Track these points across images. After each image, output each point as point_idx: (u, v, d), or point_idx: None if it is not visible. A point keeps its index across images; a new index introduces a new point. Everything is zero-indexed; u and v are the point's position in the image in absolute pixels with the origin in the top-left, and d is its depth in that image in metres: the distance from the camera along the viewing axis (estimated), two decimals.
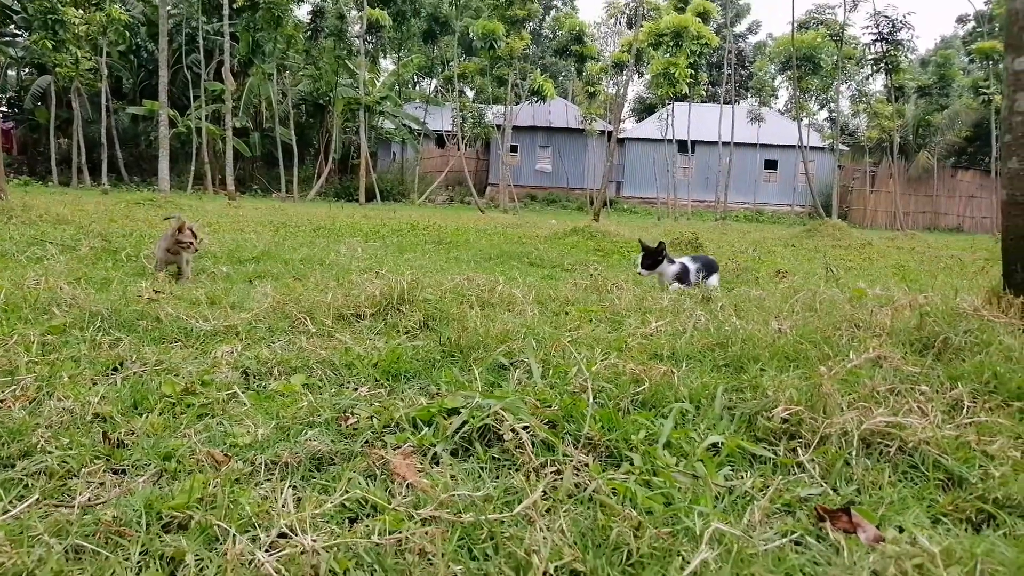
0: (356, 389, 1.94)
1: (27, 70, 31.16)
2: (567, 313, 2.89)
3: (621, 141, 28.52)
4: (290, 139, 27.64)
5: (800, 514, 1.33)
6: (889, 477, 1.48)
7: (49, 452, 1.46)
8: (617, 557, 1.09)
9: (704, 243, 8.11)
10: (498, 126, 29.15)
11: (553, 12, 35.36)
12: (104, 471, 1.39)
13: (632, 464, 1.46)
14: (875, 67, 24.56)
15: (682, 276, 4.12)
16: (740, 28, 42.93)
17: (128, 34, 27.58)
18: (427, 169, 33.32)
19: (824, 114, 36.01)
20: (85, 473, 1.37)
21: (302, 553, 1.09)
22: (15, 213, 7.67)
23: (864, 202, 31.85)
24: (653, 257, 4.07)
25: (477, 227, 10.45)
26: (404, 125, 32.30)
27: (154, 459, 1.46)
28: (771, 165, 33.45)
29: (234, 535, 1.12)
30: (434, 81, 39.01)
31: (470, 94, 35.03)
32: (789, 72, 27.44)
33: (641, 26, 19.92)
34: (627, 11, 30.56)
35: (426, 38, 32.16)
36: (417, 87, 40.65)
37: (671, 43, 23.20)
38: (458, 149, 29.43)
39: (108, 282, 3.55)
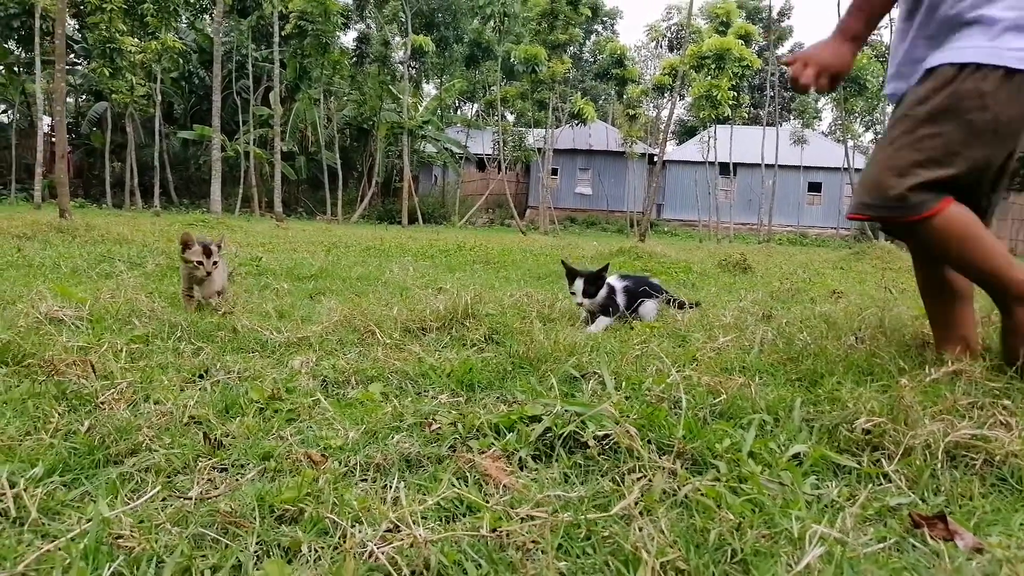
0: (435, 397, 1.99)
1: (84, 97, 32.38)
2: (631, 328, 2.92)
3: (663, 163, 28.54)
4: (335, 163, 28.21)
5: (892, 522, 1.33)
6: (978, 489, 1.47)
7: (155, 450, 1.53)
8: (720, 556, 1.11)
9: (752, 264, 8.05)
10: (539, 149, 29.36)
11: (594, 36, 35.65)
12: (210, 468, 1.45)
13: (719, 471, 1.48)
14: None
15: (607, 306, 3.30)
16: (783, 50, 42.73)
17: (181, 61, 28.51)
18: (468, 192, 33.65)
19: (870, 136, 35.51)
20: (196, 469, 1.43)
21: (411, 545, 1.13)
22: (79, 233, 7.99)
23: None
24: (595, 282, 3.26)
25: (521, 247, 10.52)
26: (446, 149, 32.70)
27: (253, 459, 1.52)
28: (815, 188, 33.06)
29: (346, 527, 1.17)
30: (475, 105, 39.50)
31: (511, 118, 35.37)
32: (834, 94, 27.19)
33: (683, 51, 19.97)
34: (668, 34, 30.67)
35: (468, 63, 32.67)
36: (459, 111, 41.17)
37: (713, 65, 23.18)
38: (499, 172, 29.69)
39: (177, 296, 3.68)
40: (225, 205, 25.70)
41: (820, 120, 40.73)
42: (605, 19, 34.98)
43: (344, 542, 1.14)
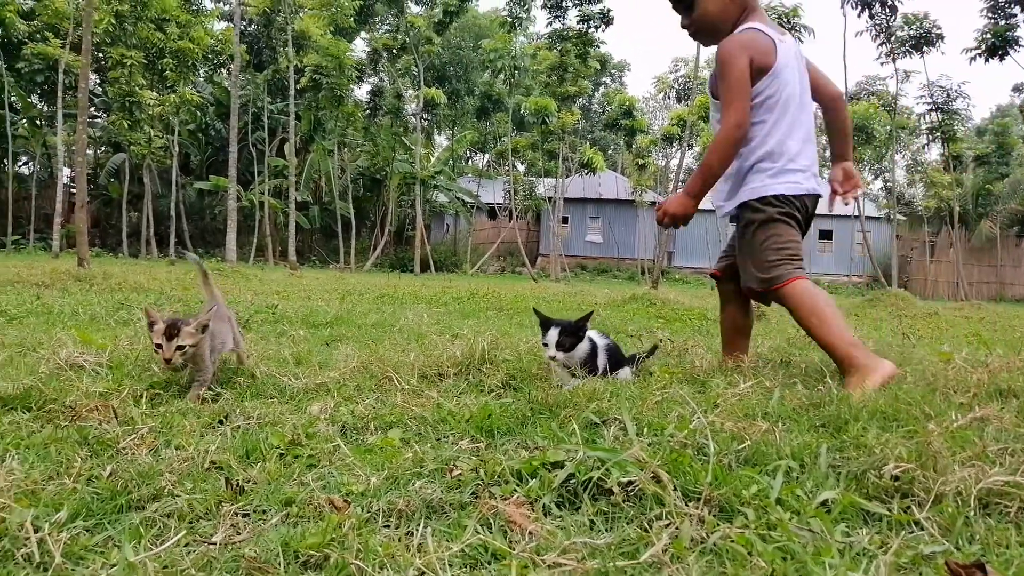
0: (455, 443, 1.97)
1: (103, 148, 33.06)
2: (651, 374, 2.90)
3: None
4: (348, 212, 28.55)
5: (927, 571, 1.30)
6: (1015, 537, 1.44)
7: (177, 495, 1.52)
8: None
9: (766, 311, 8.02)
10: (549, 198, 29.64)
11: (602, 88, 36.28)
12: (232, 513, 1.44)
13: (747, 518, 1.45)
14: (931, 136, 24.37)
15: (590, 360, 2.85)
16: None
17: (199, 113, 29.14)
18: (479, 240, 33.88)
19: (878, 184, 35.68)
20: (219, 515, 1.42)
21: None
22: (96, 281, 8.08)
23: (924, 272, 31.14)
24: (574, 334, 2.78)
25: (534, 294, 10.54)
26: (457, 198, 33.07)
27: (275, 504, 1.51)
28: (826, 235, 33.11)
29: (372, 574, 1.15)
30: (486, 155, 40.04)
31: (521, 168, 35.81)
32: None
33: (690, 101, 20.22)
34: (676, 86, 31.18)
35: (479, 115, 33.24)
36: (470, 161, 41.71)
37: None
38: (509, 220, 29.93)
39: None
40: (240, 254, 25.96)
41: (829, 168, 41.01)
42: (613, 71, 35.66)
43: None
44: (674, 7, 3.09)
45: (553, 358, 2.78)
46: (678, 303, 8.31)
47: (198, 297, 6.65)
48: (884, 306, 12.56)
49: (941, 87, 23.48)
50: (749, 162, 2.92)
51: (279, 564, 1.20)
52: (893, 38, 21.54)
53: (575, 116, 27.07)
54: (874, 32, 21.54)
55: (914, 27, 21.50)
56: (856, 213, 24.60)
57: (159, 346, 2.37)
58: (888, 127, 24.60)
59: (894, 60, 21.87)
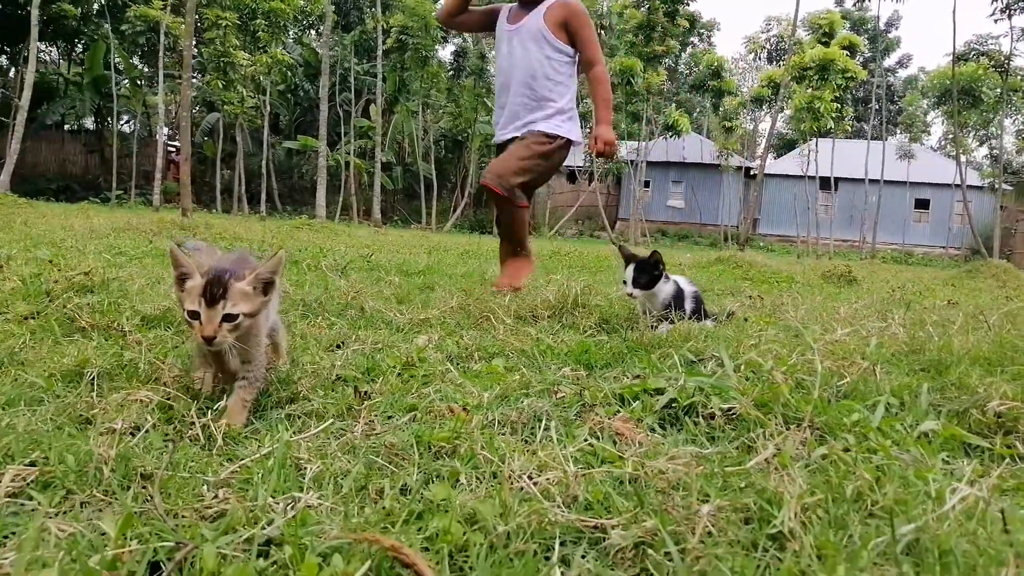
0: (558, 370, 2.08)
1: (198, 108, 34.30)
2: (746, 320, 2.93)
3: (762, 176, 27.88)
4: (430, 173, 28.89)
5: None
6: None
7: (312, 400, 1.68)
8: (860, 506, 1.15)
9: (857, 276, 7.82)
10: (631, 161, 29.21)
11: (690, 48, 35.28)
12: (365, 413, 1.58)
13: (847, 442, 1.50)
14: None
15: (675, 304, 2.84)
16: (890, 62, 41.04)
17: (289, 74, 29.85)
18: (558, 204, 33.75)
19: (983, 151, 33.65)
20: (350, 416, 1.57)
21: (559, 482, 1.22)
22: (199, 230, 8.53)
23: None
24: (649, 272, 2.78)
25: (616, 255, 10.54)
26: None
27: (399, 411, 1.64)
28: (922, 204, 31.56)
29: (498, 463, 1.27)
30: None
31: None
32: (943, 107, 25.97)
33: (783, 63, 19.49)
34: (767, 46, 30.02)
35: None
36: None
37: (816, 77, 22.54)
38: (589, 184, 29.70)
39: (302, 283, 3.92)
40: (326, 212, 26.75)
41: (929, 134, 38.87)
42: (702, 31, 34.53)
43: (497, 476, 1.24)
44: None
45: (631, 295, 2.82)
46: (765, 266, 8.17)
47: (292, 247, 6.95)
48: (984, 277, 11.96)
49: None
50: (566, 106, 3.77)
51: (414, 452, 1.33)
52: None
53: (661, 77, 26.46)
54: None
55: None
56: (958, 182, 23.34)
57: (194, 315, 1.46)
58: (998, 89, 23.10)
59: (1010, 16, 20.42)
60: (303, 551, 0.88)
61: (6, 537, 0.92)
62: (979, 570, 0.89)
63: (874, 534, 1.00)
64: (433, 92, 30.55)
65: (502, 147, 3.87)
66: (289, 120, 33.87)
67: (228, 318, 1.46)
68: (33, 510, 1.02)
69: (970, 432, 1.64)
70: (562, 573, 0.95)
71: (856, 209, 29.54)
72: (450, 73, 31.44)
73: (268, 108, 27.38)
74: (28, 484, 1.09)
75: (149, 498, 1.05)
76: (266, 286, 1.55)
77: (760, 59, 31.17)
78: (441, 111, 33.28)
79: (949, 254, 30.11)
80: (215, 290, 1.45)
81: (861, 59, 28.00)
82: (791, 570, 0.90)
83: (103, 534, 0.90)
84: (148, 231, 8.12)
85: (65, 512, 1.03)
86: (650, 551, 1.00)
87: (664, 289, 2.86)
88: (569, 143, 3.79)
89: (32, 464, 1.15)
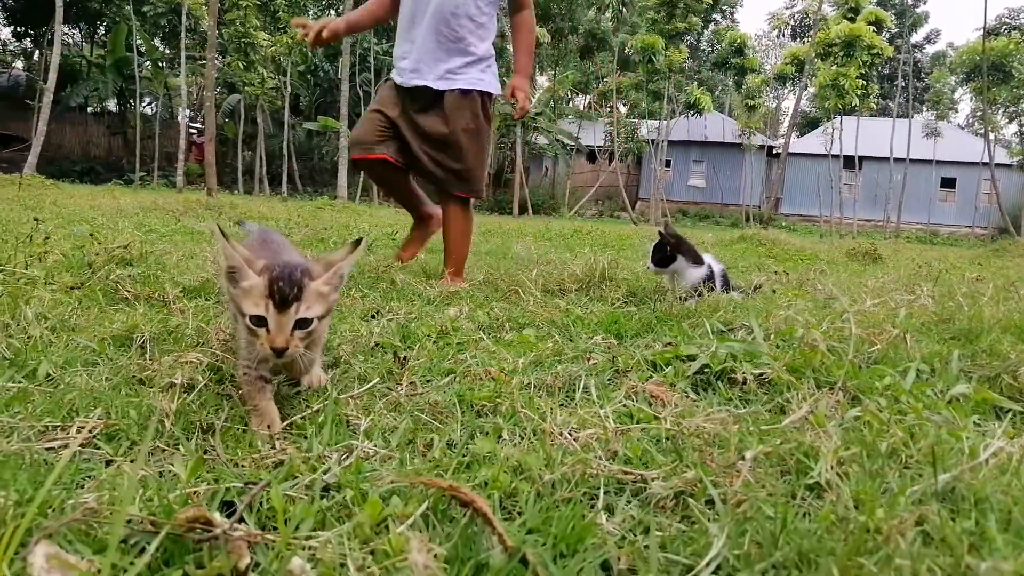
0: (589, 339, 2.11)
1: (219, 89, 34.41)
2: (774, 291, 2.95)
3: (785, 155, 27.55)
4: None
5: None
6: None
7: (352, 364, 1.73)
8: (894, 462, 1.18)
9: (882, 255, 7.76)
10: (651, 140, 28.99)
11: (712, 25, 34.84)
12: (406, 375, 1.63)
13: (879, 404, 1.53)
14: None
15: (709, 283, 2.87)
16: (917, 37, 40.24)
17: (309, 55, 29.87)
18: (577, 184, 33.62)
19: (1012, 128, 33.01)
20: (391, 379, 1.62)
21: (598, 439, 1.26)
22: (224, 209, 8.64)
23: None
24: (663, 251, 2.88)
25: (638, 234, 10.52)
26: (557, 140, 32.80)
27: (437, 375, 1.69)
28: (948, 183, 31.06)
29: (538, 420, 1.31)
30: (588, 96, 39.41)
31: (623, 109, 35.10)
32: (972, 83, 25.46)
33: (808, 39, 19.19)
34: (791, 22, 29.56)
35: (583, 54, 32.61)
36: (571, 103, 41.16)
37: (841, 53, 22.18)
38: (609, 163, 29.55)
39: None
40: (347, 193, 26.86)
41: (956, 112, 38.15)
42: (725, 7, 34.07)
43: (538, 433, 1.29)
44: None
45: (648, 268, 2.97)
46: (789, 244, 8.13)
47: (317, 224, 7.01)
48: (1012, 256, 11.80)
49: None
50: (487, 52, 3.28)
51: (457, 410, 1.37)
52: None
53: (683, 54, 26.15)
54: None
55: None
56: (986, 160, 22.95)
57: (259, 321, 1.22)
58: None
59: None
60: (364, 494, 0.93)
61: (82, 480, 0.98)
62: (1015, 514, 0.92)
63: (910, 484, 1.03)
64: None
65: (409, 92, 3.22)
66: (309, 101, 33.95)
67: (301, 324, 1.23)
68: (101, 459, 1.08)
69: (1001, 396, 1.66)
70: (607, 519, 0.98)
71: (880, 188, 29.14)
72: None
73: (288, 89, 27.47)
74: (94, 436, 1.15)
75: (211, 447, 1.10)
76: (341, 280, 1.34)
77: (784, 36, 30.72)
78: None
79: (975, 234, 29.65)
80: (286, 291, 1.21)
81: (888, 35, 27.47)
82: (829, 515, 0.94)
83: (174, 476, 0.95)
84: (175, 211, 8.22)
85: (132, 460, 1.08)
86: (691, 500, 1.04)
87: (693, 274, 2.88)
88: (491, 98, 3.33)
89: (97, 418, 1.21)
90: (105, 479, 0.92)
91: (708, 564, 0.83)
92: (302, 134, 32.51)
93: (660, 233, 2.95)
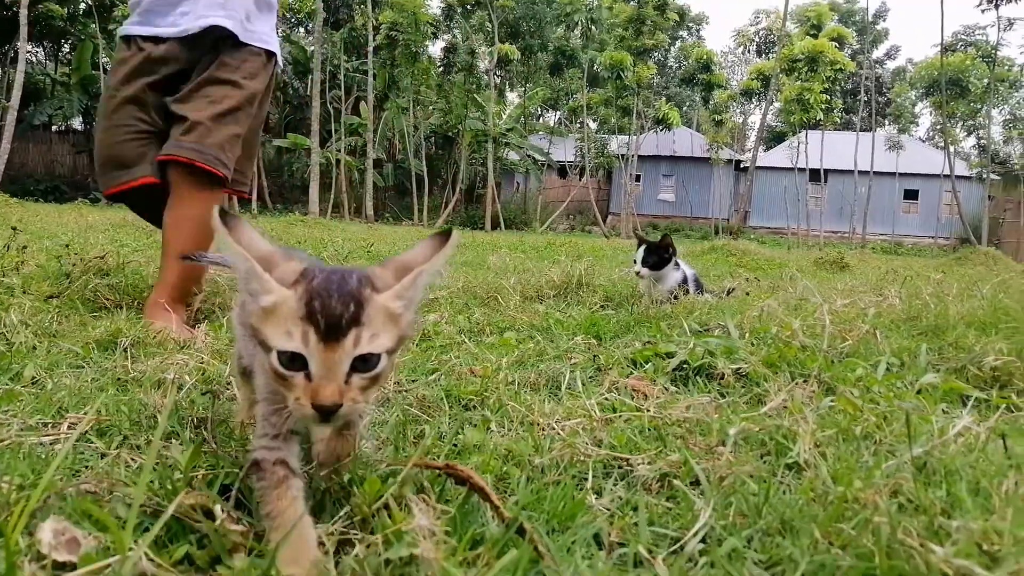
0: (570, 339, 2.15)
1: None
2: (747, 294, 3.01)
3: (753, 169, 27.98)
4: (421, 170, 28.91)
5: None
6: None
7: None
8: (869, 444, 1.22)
9: (850, 263, 7.93)
10: (621, 156, 29.32)
11: (679, 42, 35.43)
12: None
13: (852, 395, 1.58)
14: None
15: (683, 287, 3.04)
16: (878, 53, 41.25)
17: (279, 72, 29.74)
18: (549, 199, 33.82)
19: (971, 141, 33.95)
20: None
21: (584, 428, 1.29)
22: None
23: (1018, 235, 29.58)
24: (659, 254, 2.99)
25: (611, 247, 10.62)
26: (528, 156, 33.01)
27: (422, 375, 1.71)
28: (911, 195, 31.77)
29: (524, 412, 1.34)
30: (558, 113, 39.77)
31: (593, 125, 35.46)
32: (932, 98, 26.15)
33: (773, 55, 19.62)
34: (756, 39, 30.17)
35: (552, 71, 32.93)
36: (541, 119, 41.47)
37: (805, 69, 22.69)
38: (580, 178, 29.80)
39: None
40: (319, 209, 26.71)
41: (917, 125, 39.13)
42: (691, 24, 34.69)
43: (525, 424, 1.32)
44: None
45: (639, 274, 3.02)
46: (758, 254, 8.28)
47: (292, 241, 6.98)
48: (973, 264, 12.11)
49: None
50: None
51: (444, 404, 1.40)
52: None
53: (651, 71, 26.59)
54: None
55: None
56: (946, 172, 23.55)
57: (293, 362, 0.79)
58: (986, 80, 23.33)
59: (996, 6, 20.63)
60: (360, 476, 0.95)
61: (79, 470, 0.99)
62: (983, 482, 0.97)
63: (884, 460, 1.08)
64: (423, 88, 30.54)
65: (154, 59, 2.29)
66: (279, 118, 33.79)
67: (363, 363, 0.79)
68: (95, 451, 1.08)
69: (967, 385, 1.72)
70: (596, 499, 1.01)
71: (846, 200, 29.71)
72: (440, 69, 31.46)
73: None
74: (85, 432, 1.16)
75: (204, 439, 1.12)
76: (412, 298, 0.88)
77: (749, 52, 31.34)
78: (431, 107, 33.27)
79: (938, 244, 30.33)
80: (336, 310, 0.78)
81: (850, 51, 28.16)
82: (809, 488, 0.98)
83: (170, 466, 0.96)
84: (145, 228, 8.12)
85: (136, 447, 1.09)
86: (676, 481, 1.07)
87: (672, 276, 3.03)
88: (273, 60, 2.51)
89: (88, 414, 1.21)
90: (103, 467, 0.93)
91: (696, 534, 0.86)
92: (271, 151, 32.31)
93: (640, 238, 3.08)
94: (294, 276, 0.81)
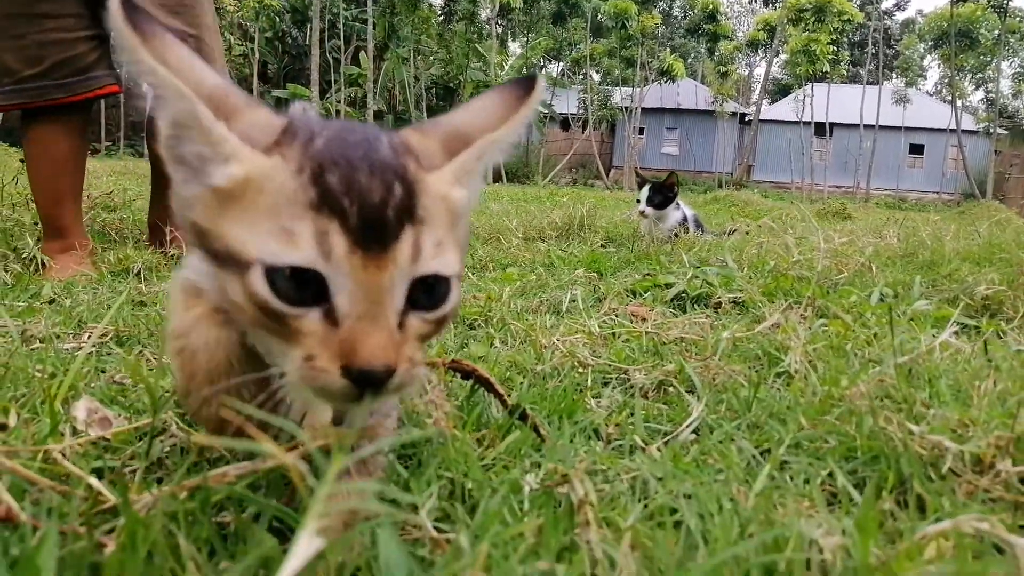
0: (571, 273, 2.19)
1: None
2: (748, 233, 3.05)
3: (757, 122, 27.67)
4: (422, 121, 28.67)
5: (1015, 364, 1.45)
6: None
7: None
8: (859, 360, 1.27)
9: (852, 214, 7.94)
10: (625, 108, 29.01)
11: None
12: None
13: (845, 321, 1.62)
14: None
15: (683, 226, 3.14)
16: (887, 4, 40.43)
17: (277, 20, 29.32)
18: (551, 152, 33.57)
19: (979, 95, 33.50)
20: None
21: (584, 344, 1.34)
22: None
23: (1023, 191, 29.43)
24: (664, 193, 3.08)
25: (613, 198, 10.61)
26: None
27: None
28: (917, 150, 31.51)
29: (527, 329, 1.39)
30: (561, 64, 39.21)
31: (596, 76, 34.98)
32: (940, 50, 25.75)
33: (780, 5, 19.27)
34: None
35: (555, 20, 32.36)
36: (544, 70, 40.89)
37: (812, 19, 22.28)
38: (583, 131, 29.54)
39: None
40: None
41: (925, 79, 38.60)
42: None
43: (527, 341, 1.36)
44: None
45: (643, 213, 3.08)
46: (760, 204, 8.28)
47: None
48: (976, 217, 12.10)
49: None
50: None
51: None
52: None
53: (655, 20, 26.13)
54: None
55: None
56: (953, 126, 23.32)
57: (302, 294, 0.47)
58: (996, 31, 22.92)
59: None
60: None
61: (104, 369, 1.04)
62: (963, 383, 1.02)
63: (871, 367, 1.12)
64: (423, 38, 30.07)
65: None
66: (278, 68, 33.35)
67: (429, 292, 0.52)
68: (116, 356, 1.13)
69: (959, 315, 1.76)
70: (595, 401, 1.07)
71: (851, 154, 29.48)
72: (441, 18, 30.94)
73: (256, 56, 26.97)
74: (105, 341, 1.20)
75: None
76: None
77: (756, 2, 30.71)
78: (432, 57, 32.81)
79: (943, 199, 30.17)
80: (374, 194, 0.48)
81: (858, 1, 27.63)
82: (798, 388, 1.03)
83: None
84: (146, 175, 8.13)
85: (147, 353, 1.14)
86: (671, 388, 1.12)
87: (674, 215, 3.12)
88: None
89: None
90: (129, 362, 0.97)
91: (688, 425, 0.92)
92: (270, 102, 31.97)
93: (644, 178, 3.25)
94: (273, 132, 0.50)
